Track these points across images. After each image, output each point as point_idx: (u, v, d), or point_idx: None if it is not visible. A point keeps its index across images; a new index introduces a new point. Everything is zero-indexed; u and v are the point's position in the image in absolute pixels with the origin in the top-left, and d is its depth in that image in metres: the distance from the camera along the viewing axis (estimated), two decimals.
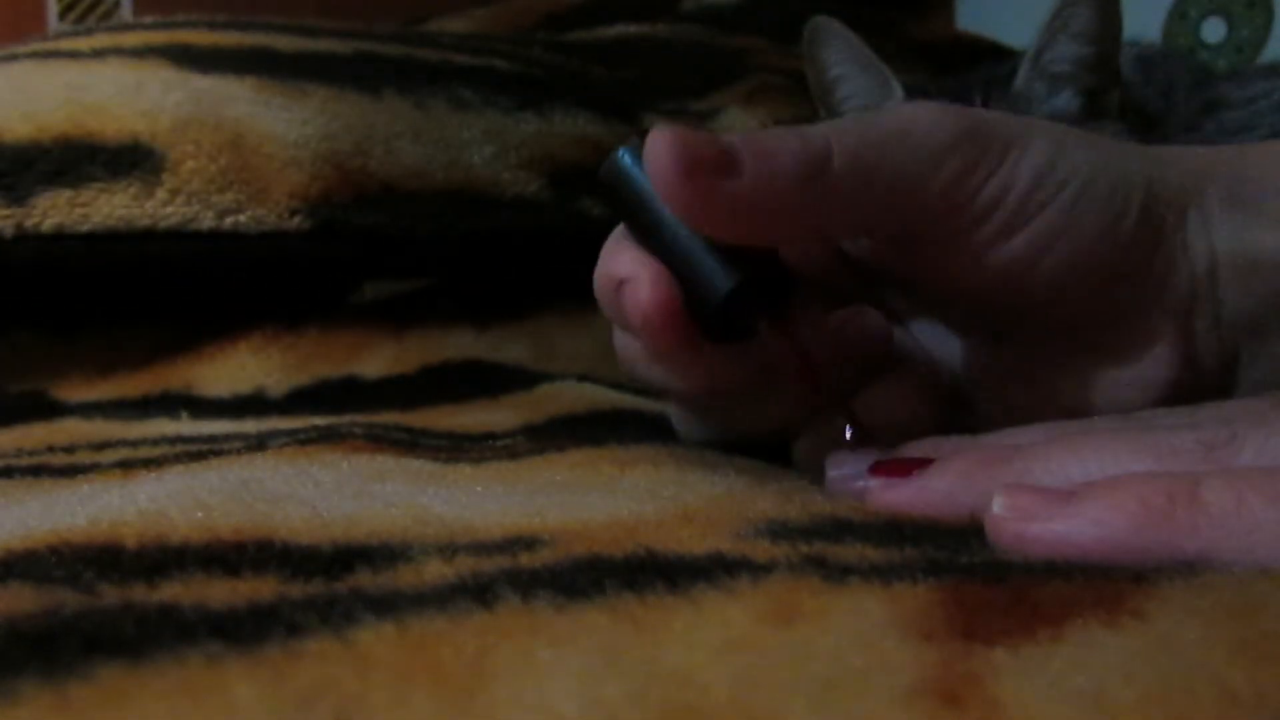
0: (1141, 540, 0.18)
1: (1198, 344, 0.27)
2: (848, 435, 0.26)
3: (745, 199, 0.24)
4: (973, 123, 0.26)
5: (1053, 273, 0.26)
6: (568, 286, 0.46)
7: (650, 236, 0.26)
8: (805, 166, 0.25)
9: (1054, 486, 0.20)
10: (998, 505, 0.20)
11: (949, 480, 0.22)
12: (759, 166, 0.24)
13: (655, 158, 0.24)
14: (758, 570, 0.17)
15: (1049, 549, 0.19)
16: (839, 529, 0.20)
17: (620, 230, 0.28)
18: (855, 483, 0.24)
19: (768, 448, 0.30)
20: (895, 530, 0.20)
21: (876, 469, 0.24)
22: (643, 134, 0.26)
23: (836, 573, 0.17)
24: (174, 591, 0.17)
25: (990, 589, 0.16)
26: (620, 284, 0.26)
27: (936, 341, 0.31)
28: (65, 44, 0.48)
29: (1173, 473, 0.19)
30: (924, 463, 0.23)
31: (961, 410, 0.30)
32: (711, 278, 0.25)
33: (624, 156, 0.27)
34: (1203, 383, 0.27)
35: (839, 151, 0.25)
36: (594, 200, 0.48)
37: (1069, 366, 0.28)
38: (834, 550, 0.19)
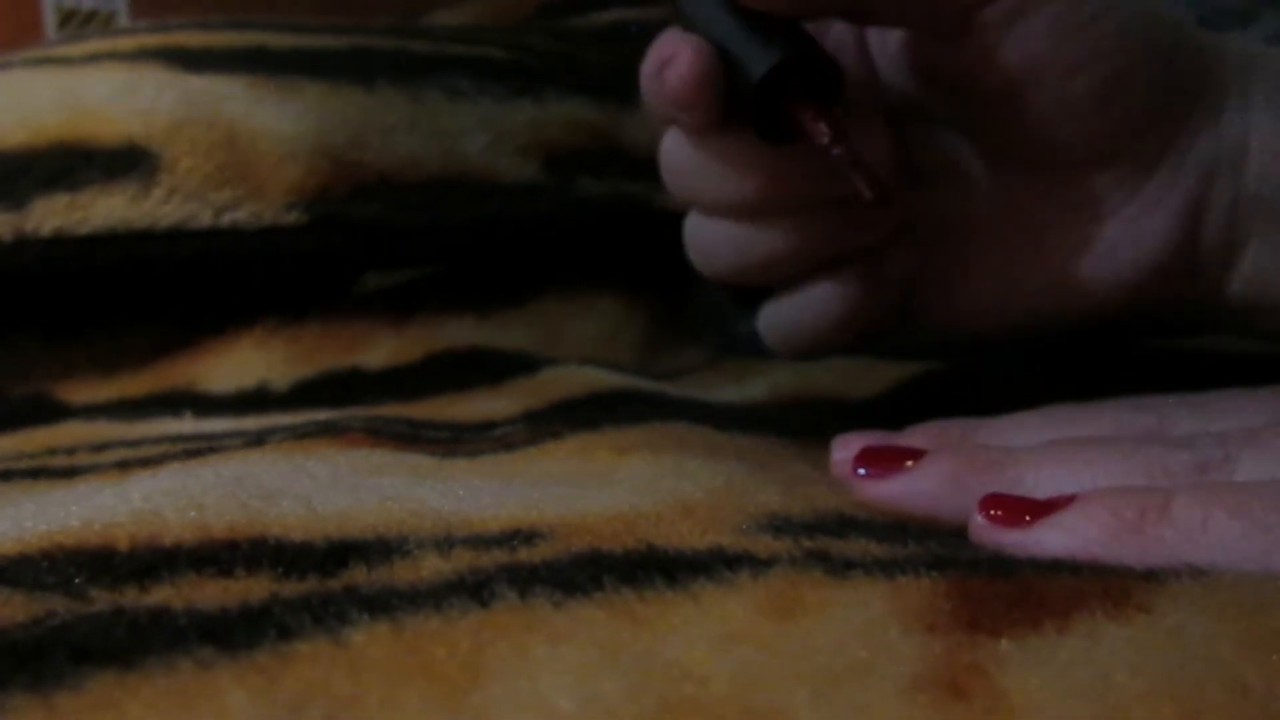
0: (1112, 551, 0.18)
1: (1206, 222, 0.26)
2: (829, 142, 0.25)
3: None
4: None
5: (1099, 82, 0.26)
6: (568, 270, 0.46)
7: (693, 17, 0.27)
8: None
9: (1034, 498, 0.20)
10: (979, 517, 0.20)
11: (936, 482, 0.22)
12: None
13: None
14: (759, 565, 0.17)
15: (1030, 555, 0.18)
16: (843, 525, 0.20)
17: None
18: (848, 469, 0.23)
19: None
20: (900, 528, 0.20)
21: (863, 457, 0.23)
22: None
23: (839, 566, 0.17)
24: (165, 594, 0.16)
25: (995, 583, 0.16)
26: (662, 64, 0.26)
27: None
28: (59, 51, 0.47)
29: (1151, 488, 0.19)
30: (914, 454, 0.22)
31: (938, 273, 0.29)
32: (751, 56, 0.25)
33: None
34: (1200, 266, 0.27)
35: None
36: (590, 182, 0.47)
37: (1071, 217, 0.27)
38: (837, 545, 0.18)
